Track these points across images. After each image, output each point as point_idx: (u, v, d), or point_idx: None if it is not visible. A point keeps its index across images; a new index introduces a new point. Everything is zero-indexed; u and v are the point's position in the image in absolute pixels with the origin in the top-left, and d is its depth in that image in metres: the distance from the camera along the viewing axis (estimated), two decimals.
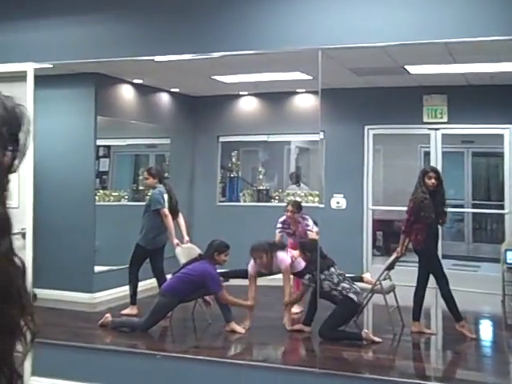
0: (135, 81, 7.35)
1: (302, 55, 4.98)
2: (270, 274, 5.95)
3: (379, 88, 7.02)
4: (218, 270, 5.82)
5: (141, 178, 7.96)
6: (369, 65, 5.99)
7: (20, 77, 4.87)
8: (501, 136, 6.88)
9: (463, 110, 6.86)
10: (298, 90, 7.76)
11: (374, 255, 7.29)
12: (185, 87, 7.89)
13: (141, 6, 4.98)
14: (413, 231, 5.55)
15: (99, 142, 7.25)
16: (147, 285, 6.52)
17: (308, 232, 6.20)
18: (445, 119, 6.95)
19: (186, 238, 6.50)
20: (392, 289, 5.77)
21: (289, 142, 8.64)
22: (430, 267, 5.49)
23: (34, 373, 4.69)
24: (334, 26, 4.43)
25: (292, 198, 8.12)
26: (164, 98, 8.12)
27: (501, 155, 6.98)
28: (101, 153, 7.77)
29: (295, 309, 6.09)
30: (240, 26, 4.70)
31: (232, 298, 5.73)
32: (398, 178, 7.70)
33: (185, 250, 6.33)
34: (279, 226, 6.47)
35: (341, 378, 4.42)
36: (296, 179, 8.54)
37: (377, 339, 5.22)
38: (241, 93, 8.13)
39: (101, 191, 7.82)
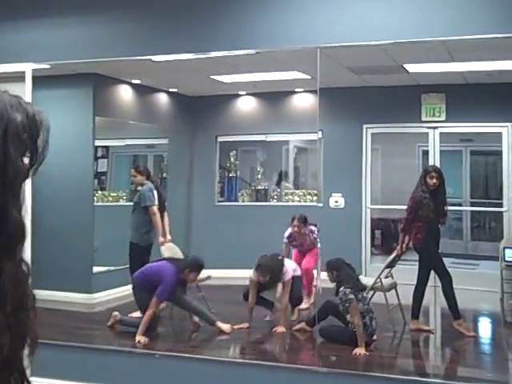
0: (133, 81, 7.34)
1: (300, 54, 4.99)
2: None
3: (377, 87, 7.03)
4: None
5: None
6: (367, 64, 6.00)
7: (18, 77, 4.87)
8: (499, 134, 6.88)
9: (461, 109, 6.86)
10: (296, 90, 7.76)
11: (372, 254, 7.30)
12: (183, 87, 7.89)
13: (138, 6, 4.98)
14: (412, 229, 5.54)
15: (97, 143, 7.24)
16: None
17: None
18: (443, 118, 6.96)
19: (169, 236, 6.42)
20: (393, 287, 5.76)
21: (287, 142, 8.64)
22: (430, 265, 5.49)
23: (33, 373, 4.65)
24: (332, 24, 4.44)
25: (290, 197, 8.13)
26: (162, 98, 8.12)
27: (499, 153, 6.98)
28: (99, 153, 7.75)
29: (303, 305, 6.08)
30: (238, 25, 4.71)
31: (148, 315, 5.26)
32: (397, 177, 7.70)
33: (169, 249, 6.31)
34: (285, 240, 6.36)
35: (342, 376, 4.43)
36: (279, 178, 8.54)
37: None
38: (239, 92, 8.14)
39: (99, 192, 7.81)
